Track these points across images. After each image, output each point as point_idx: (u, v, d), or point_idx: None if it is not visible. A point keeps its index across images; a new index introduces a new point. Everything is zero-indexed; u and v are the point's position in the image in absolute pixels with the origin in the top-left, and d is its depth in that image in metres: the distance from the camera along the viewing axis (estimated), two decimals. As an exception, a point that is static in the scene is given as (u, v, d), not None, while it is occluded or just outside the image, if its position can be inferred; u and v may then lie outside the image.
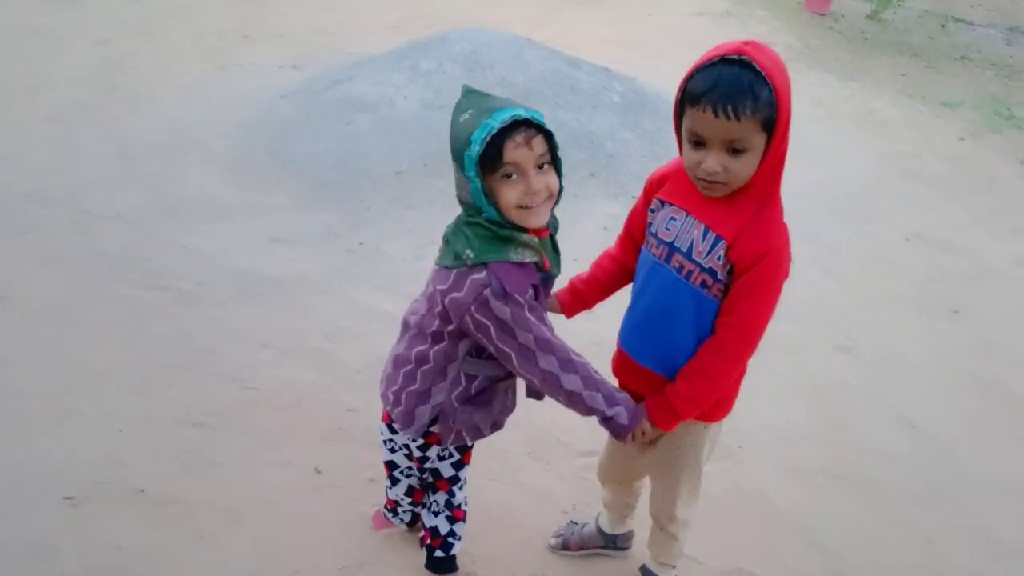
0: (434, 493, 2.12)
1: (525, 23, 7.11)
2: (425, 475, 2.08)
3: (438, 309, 1.70)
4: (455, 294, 1.63)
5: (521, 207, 1.57)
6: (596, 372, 1.71)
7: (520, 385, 1.85)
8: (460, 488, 2.12)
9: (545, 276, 1.72)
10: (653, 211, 1.80)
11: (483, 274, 1.59)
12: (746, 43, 1.54)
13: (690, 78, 1.55)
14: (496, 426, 1.93)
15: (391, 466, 2.15)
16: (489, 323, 1.61)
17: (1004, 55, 8.14)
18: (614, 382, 1.86)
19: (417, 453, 2.00)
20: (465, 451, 2.06)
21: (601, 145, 4.84)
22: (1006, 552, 2.63)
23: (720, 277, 1.65)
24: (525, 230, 1.62)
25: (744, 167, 1.56)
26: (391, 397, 1.92)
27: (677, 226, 1.71)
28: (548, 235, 1.72)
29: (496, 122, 1.51)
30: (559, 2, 8.43)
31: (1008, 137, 6.08)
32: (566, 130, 4.84)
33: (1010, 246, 4.51)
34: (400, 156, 4.49)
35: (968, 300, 3.96)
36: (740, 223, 1.61)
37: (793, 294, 3.74)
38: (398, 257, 3.81)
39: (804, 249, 4.18)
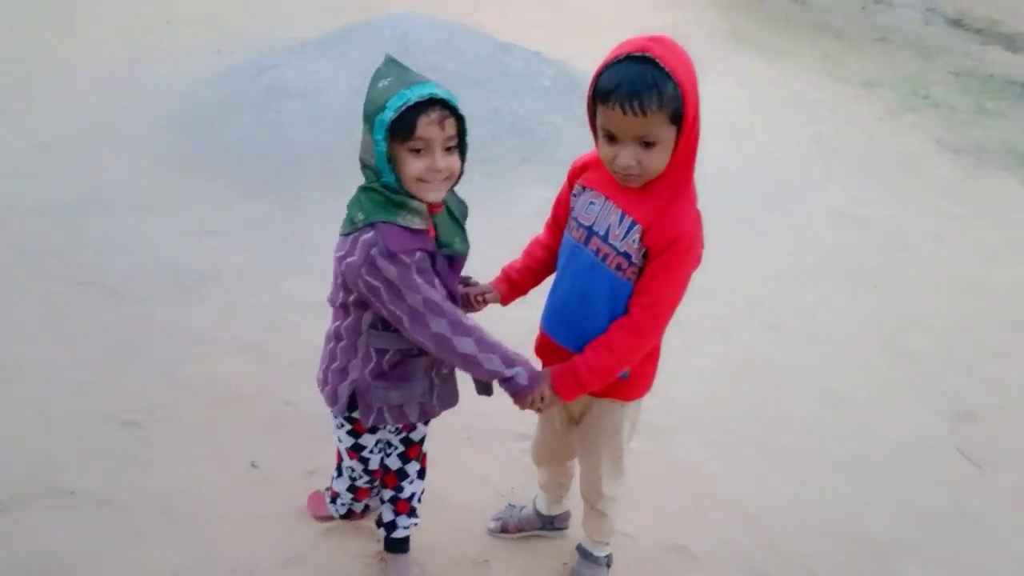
0: (383, 487, 2.14)
1: (455, 7, 7.06)
2: (368, 470, 2.08)
3: (339, 280, 1.74)
4: (349, 258, 1.66)
5: (421, 180, 1.62)
6: (491, 336, 1.72)
7: (467, 381, 1.86)
8: (410, 483, 2.13)
9: (451, 254, 1.75)
10: (575, 196, 1.85)
11: (371, 234, 1.62)
12: (651, 39, 1.59)
13: (599, 75, 1.60)
14: (426, 413, 1.92)
15: (341, 456, 2.14)
16: (379, 284, 1.63)
17: (921, 35, 8.43)
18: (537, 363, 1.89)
19: (348, 442, 2.01)
20: (411, 445, 2.07)
21: (533, 130, 4.87)
22: (922, 513, 2.76)
23: (635, 261, 1.70)
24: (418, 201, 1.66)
25: (656, 159, 1.62)
26: (320, 376, 1.95)
27: (595, 210, 1.76)
28: (445, 211, 1.74)
29: (414, 95, 1.56)
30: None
31: (924, 116, 6.31)
32: (498, 116, 4.85)
33: (926, 221, 4.70)
34: (331, 144, 4.44)
35: (887, 274, 4.13)
36: (655, 209, 1.67)
37: (721, 272, 3.88)
38: (330, 246, 3.76)
39: (730, 228, 4.31)
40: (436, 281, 1.70)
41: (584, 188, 1.82)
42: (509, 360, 1.72)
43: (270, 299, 3.43)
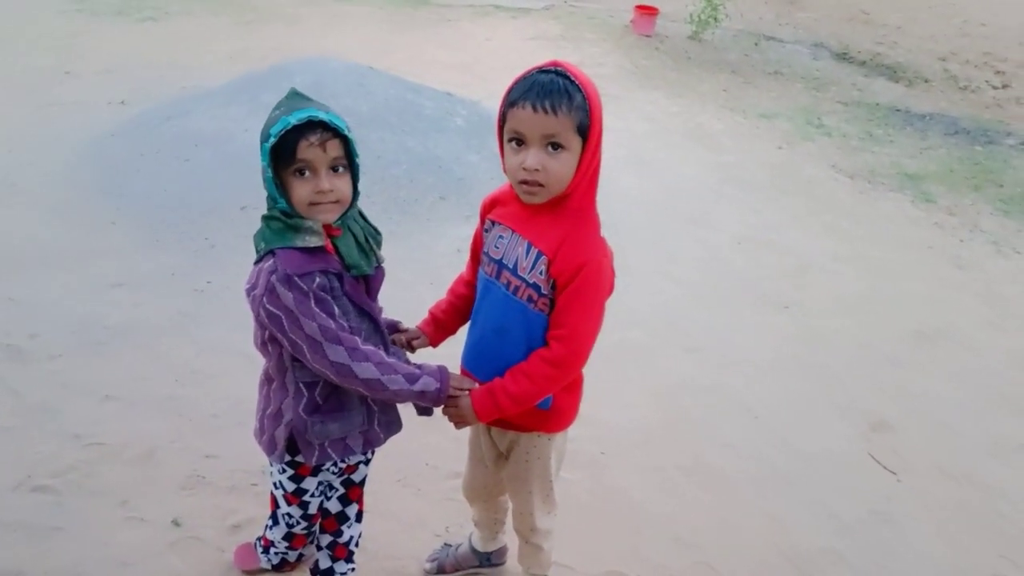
0: (321, 532, 2.09)
1: (365, 51, 7.12)
2: (307, 515, 2.03)
3: (254, 316, 1.71)
4: (254, 290, 1.65)
5: (312, 204, 1.63)
6: (390, 358, 1.72)
7: (407, 405, 1.85)
8: (349, 526, 2.09)
9: (360, 275, 1.75)
10: (486, 231, 1.89)
11: (271, 261, 1.63)
12: (557, 61, 1.68)
13: (511, 88, 1.66)
14: (371, 442, 1.89)
15: (277, 503, 2.08)
16: (280, 312, 1.62)
17: (811, 69, 8.89)
18: None
19: (289, 487, 1.95)
20: (351, 487, 2.05)
21: (449, 169, 4.92)
22: (844, 523, 2.87)
23: (544, 292, 1.74)
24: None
25: (562, 167, 1.65)
26: (256, 426, 1.90)
27: (504, 244, 1.80)
28: (349, 236, 1.74)
29: (294, 119, 1.57)
30: (398, 29, 8.49)
31: (819, 144, 6.64)
32: (413, 156, 4.88)
33: (827, 242, 4.93)
34: (244, 190, 4.37)
35: (794, 294, 4.30)
36: (559, 238, 1.71)
37: (641, 301, 3.97)
38: (249, 294, 3.71)
39: (646, 256, 4.42)
40: (344, 304, 1.70)
41: (494, 223, 1.85)
42: (412, 376, 1.73)
43: (186, 351, 3.33)
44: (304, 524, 2.06)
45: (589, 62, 7.94)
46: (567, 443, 2.09)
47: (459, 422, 1.85)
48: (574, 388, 1.94)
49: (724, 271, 4.47)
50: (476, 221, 1.98)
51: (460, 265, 2.13)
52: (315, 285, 1.63)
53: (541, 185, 1.66)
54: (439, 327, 2.07)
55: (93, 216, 4.24)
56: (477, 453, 2.18)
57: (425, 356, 2.01)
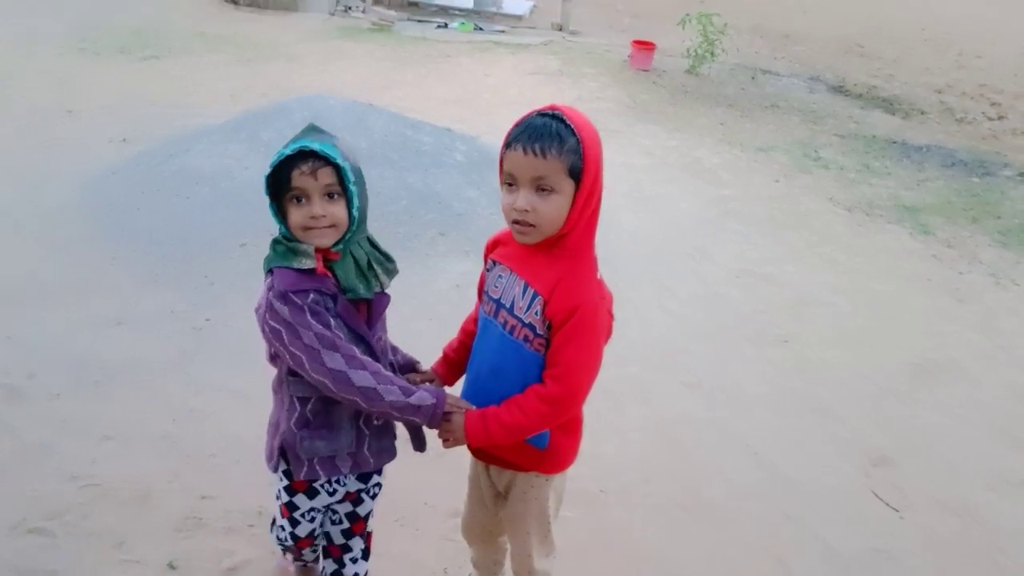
0: (324, 557, 2.10)
1: (365, 88, 7.20)
2: (294, 535, 2.05)
3: (260, 332, 1.79)
4: (259, 308, 1.76)
5: (306, 228, 1.72)
6: (387, 371, 1.78)
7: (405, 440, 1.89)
8: (353, 561, 2.11)
9: (356, 298, 1.80)
10: (488, 271, 1.92)
11: (269, 280, 1.75)
12: (556, 105, 1.70)
13: (507, 133, 1.70)
14: (359, 465, 1.92)
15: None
16: (280, 326, 1.71)
17: (807, 102, 8.97)
18: None
19: (284, 498, 1.98)
20: (356, 520, 2.07)
21: (448, 204, 4.94)
22: (845, 560, 2.84)
23: (540, 332, 1.75)
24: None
25: (551, 209, 1.67)
26: (266, 436, 1.98)
27: (503, 284, 1.82)
28: (349, 259, 1.79)
29: (288, 150, 1.69)
30: (397, 66, 8.59)
31: (816, 177, 6.68)
32: (412, 191, 4.91)
33: (825, 275, 4.93)
34: (244, 228, 4.40)
35: (793, 328, 4.30)
36: (554, 279, 1.72)
37: (639, 335, 3.97)
38: (248, 331, 3.68)
39: (645, 291, 4.43)
40: (336, 323, 1.75)
41: (495, 263, 1.88)
42: (408, 389, 1.78)
43: (184, 389, 3.32)
44: (292, 543, 2.07)
45: (587, 96, 8.02)
46: (566, 483, 2.07)
47: (448, 439, 1.85)
48: (572, 430, 1.93)
49: (722, 305, 4.47)
50: (475, 256, 2.01)
51: (459, 300, 2.15)
52: (309, 300, 1.71)
53: (532, 225, 1.69)
54: (452, 367, 2.09)
55: (93, 254, 4.25)
56: (476, 492, 2.17)
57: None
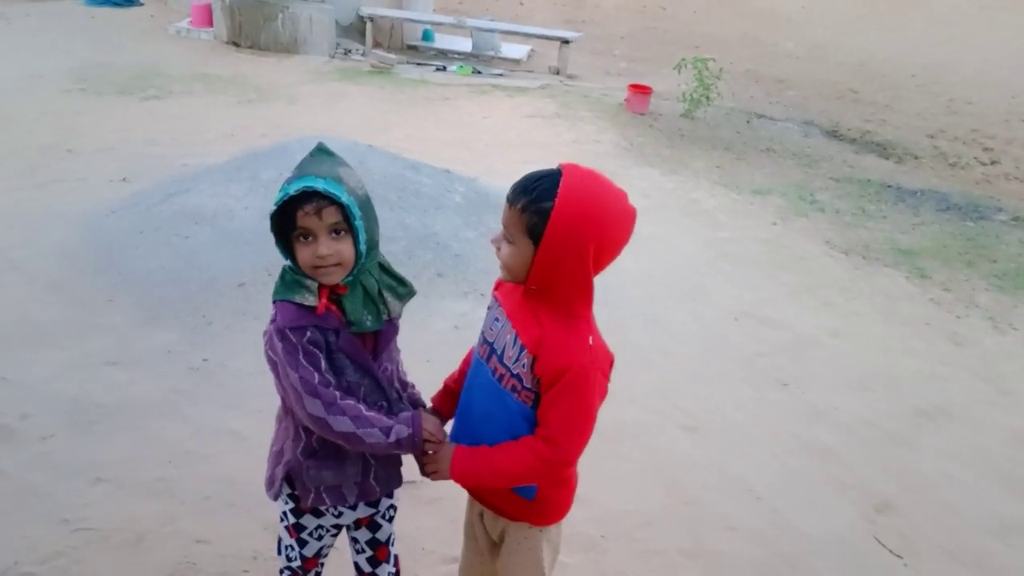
0: None
1: (365, 129, 7.25)
2: (303, 555, 2.05)
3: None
4: (265, 334, 1.81)
5: (315, 267, 1.73)
6: (368, 412, 1.77)
7: (409, 462, 1.90)
8: None
9: (361, 331, 1.79)
10: (489, 309, 1.90)
11: (273, 310, 1.77)
12: (578, 166, 1.67)
13: None
14: (365, 493, 1.92)
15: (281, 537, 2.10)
16: (276, 359, 1.76)
17: (802, 146, 9.06)
18: None
19: (291, 519, 1.98)
20: (378, 547, 2.07)
21: (447, 245, 4.95)
22: (850, 610, 2.79)
23: (527, 385, 1.73)
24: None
25: (509, 256, 1.70)
26: (267, 464, 1.98)
27: (498, 327, 1.81)
28: (359, 290, 1.79)
29: (292, 189, 1.68)
30: (397, 108, 8.67)
31: (813, 220, 6.72)
32: (411, 232, 4.92)
33: (824, 318, 4.93)
34: (243, 267, 4.39)
35: (793, 371, 4.28)
36: (540, 335, 1.70)
37: (638, 378, 3.95)
38: (245, 372, 3.69)
39: (643, 333, 4.42)
40: (341, 360, 1.77)
41: (495, 302, 1.87)
42: (387, 428, 1.77)
43: (180, 430, 3.29)
44: (300, 563, 2.05)
45: (584, 139, 8.09)
46: (562, 532, 2.04)
47: (433, 472, 1.84)
48: (562, 483, 1.90)
49: (721, 347, 4.46)
50: (473, 297, 2.01)
51: (457, 342, 2.14)
52: (305, 339, 1.72)
53: (506, 268, 1.72)
54: (453, 399, 2.04)
55: (90, 293, 4.24)
56: (472, 540, 2.14)
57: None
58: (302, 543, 2.02)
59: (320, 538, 2.03)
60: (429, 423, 1.83)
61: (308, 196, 1.67)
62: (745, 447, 3.63)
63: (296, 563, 2.06)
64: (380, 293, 1.82)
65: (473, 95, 9.48)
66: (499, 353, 1.78)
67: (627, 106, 9.45)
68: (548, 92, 9.92)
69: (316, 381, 1.72)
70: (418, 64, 11.13)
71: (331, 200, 1.68)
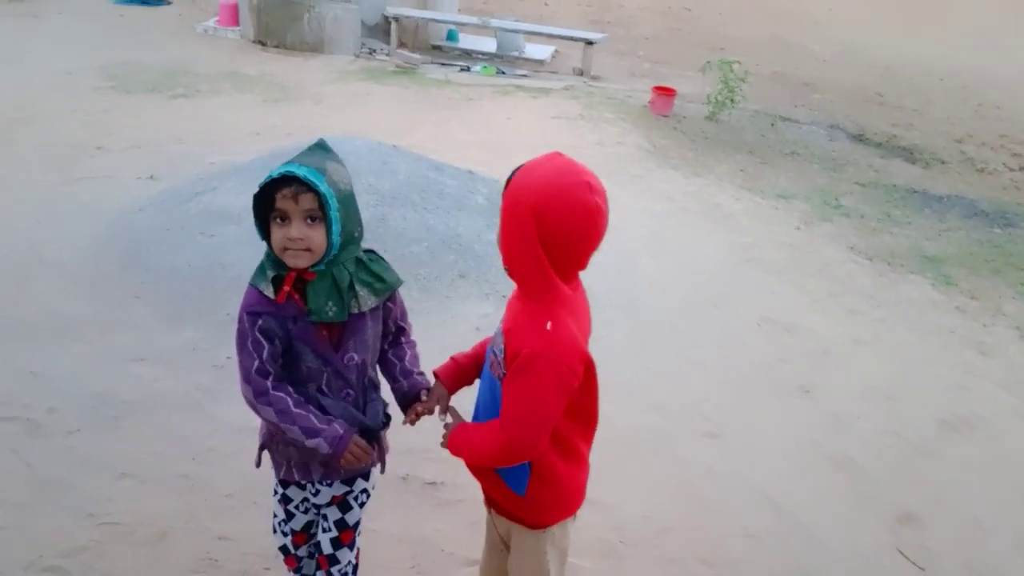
0: (317, 569, 2.12)
1: (389, 129, 7.28)
2: (292, 528, 2.15)
3: None
4: None
5: (284, 248, 1.80)
6: (298, 408, 1.86)
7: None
8: (342, 574, 2.10)
9: (321, 320, 1.85)
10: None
11: (244, 294, 1.89)
12: (557, 155, 1.79)
13: None
14: (331, 474, 2.00)
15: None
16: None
17: (828, 150, 8.98)
18: None
19: (280, 489, 2.10)
20: (344, 529, 2.09)
21: (469, 247, 4.96)
22: (870, 622, 2.77)
23: (503, 369, 1.80)
24: (287, 267, 1.83)
25: (497, 238, 1.83)
26: None
27: (501, 318, 1.91)
28: (327, 279, 1.85)
29: (275, 173, 1.77)
30: (422, 108, 8.69)
31: (837, 224, 6.66)
32: (434, 233, 4.94)
33: (848, 326, 4.89)
34: (266, 266, 4.43)
35: (815, 379, 4.25)
36: (512, 321, 1.81)
37: (659, 384, 3.94)
38: (267, 370, 3.71)
39: (665, 338, 4.41)
40: (300, 348, 1.86)
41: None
42: (311, 431, 1.86)
43: (203, 427, 3.32)
44: (291, 536, 2.15)
45: (608, 141, 8.07)
46: (568, 538, 2.04)
47: (442, 442, 1.96)
48: (551, 482, 1.90)
49: (744, 354, 4.43)
50: (495, 299, 2.06)
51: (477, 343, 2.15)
52: (257, 326, 1.83)
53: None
54: (456, 372, 2.08)
55: (117, 290, 4.29)
56: (490, 539, 2.18)
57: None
58: (290, 515, 2.13)
59: (306, 511, 2.11)
60: (357, 445, 1.91)
61: (288, 180, 1.76)
62: (766, 456, 3.61)
63: (288, 537, 2.15)
64: (351, 286, 1.87)
65: (497, 96, 9.48)
66: (495, 341, 1.87)
67: (651, 108, 9.41)
68: (572, 93, 9.90)
69: (253, 368, 1.84)
70: (442, 64, 11.15)
71: (309, 187, 1.76)
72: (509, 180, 1.78)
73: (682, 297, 4.97)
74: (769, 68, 12.60)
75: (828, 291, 5.35)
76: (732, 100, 9.38)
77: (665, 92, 9.46)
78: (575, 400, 1.81)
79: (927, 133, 10.14)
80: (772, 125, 9.65)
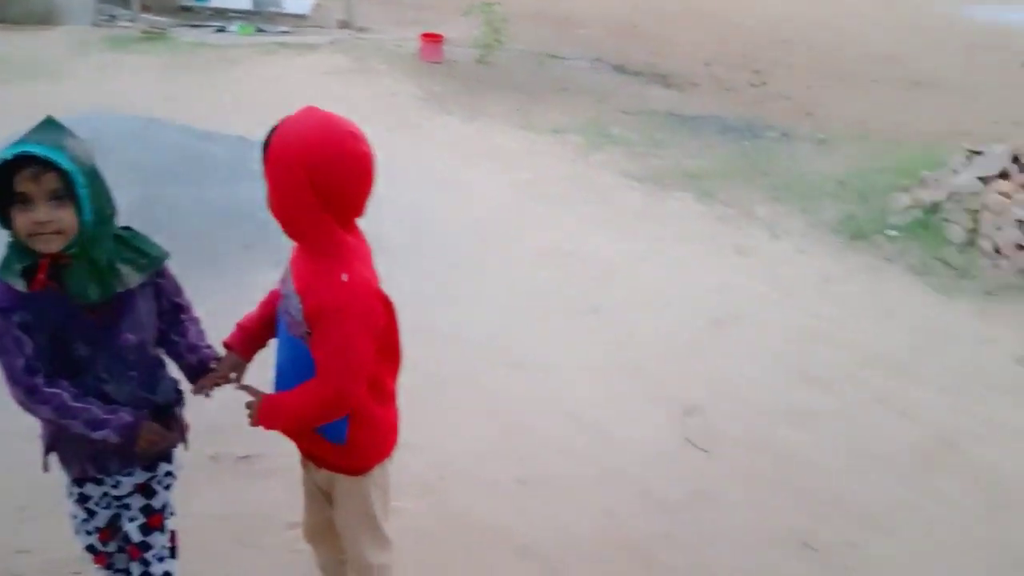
0: (130, 561, 2.03)
1: (145, 101, 6.79)
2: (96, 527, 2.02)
3: None
4: None
5: (32, 234, 1.68)
6: (77, 402, 1.77)
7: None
8: (158, 559, 2.03)
9: (83, 303, 1.77)
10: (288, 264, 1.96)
11: None
12: (312, 109, 1.83)
13: None
14: (129, 461, 1.92)
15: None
16: None
17: (594, 83, 9.45)
18: None
19: (75, 491, 1.97)
20: (152, 513, 2.01)
21: (251, 215, 4.78)
22: (669, 506, 3.08)
23: (308, 329, 1.82)
24: (37, 252, 1.71)
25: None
26: None
27: (286, 283, 1.90)
28: (84, 261, 1.75)
29: (8, 154, 1.63)
30: (178, 75, 8.17)
31: (609, 153, 7.08)
32: (211, 207, 4.72)
33: (626, 244, 5.27)
34: None
35: (602, 297, 4.57)
36: (306, 278, 1.82)
37: (458, 323, 4.07)
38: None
39: (459, 279, 4.55)
40: (68, 336, 1.76)
41: (288, 264, 1.94)
42: (96, 422, 1.78)
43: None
44: (95, 535, 2.02)
45: (382, 92, 8.02)
46: (389, 477, 2.11)
47: (251, 422, 1.91)
48: (369, 424, 1.97)
49: (535, 283, 4.67)
50: (285, 266, 2.01)
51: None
52: (14, 322, 1.70)
53: None
54: (246, 338, 2.06)
55: None
56: (309, 493, 2.19)
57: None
58: (91, 513, 2.00)
59: (108, 506, 2.01)
60: (150, 430, 1.85)
61: (26, 161, 1.63)
62: (565, 374, 3.86)
63: (93, 536, 2.03)
64: (112, 265, 1.80)
65: (260, 56, 9.09)
66: (287, 303, 1.86)
67: (421, 56, 9.42)
68: (339, 47, 9.69)
69: (19, 367, 1.72)
70: (194, 26, 10.47)
71: (51, 166, 1.64)
72: (268, 141, 1.77)
73: (471, 236, 5.12)
74: (531, 7, 12.94)
75: (606, 216, 5.71)
76: (499, 41, 9.60)
77: (433, 39, 9.49)
78: (380, 340, 1.87)
79: (680, 58, 10.91)
80: (540, 63, 9.98)
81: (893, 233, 5.65)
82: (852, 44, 12.02)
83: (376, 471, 2.04)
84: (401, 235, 4.81)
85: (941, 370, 4.07)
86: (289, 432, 1.98)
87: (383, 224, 4.84)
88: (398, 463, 2.88)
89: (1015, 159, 5.68)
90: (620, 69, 10.24)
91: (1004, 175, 5.64)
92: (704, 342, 4.24)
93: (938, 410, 3.75)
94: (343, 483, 2.03)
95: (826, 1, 14.86)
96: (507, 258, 4.92)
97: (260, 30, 10.44)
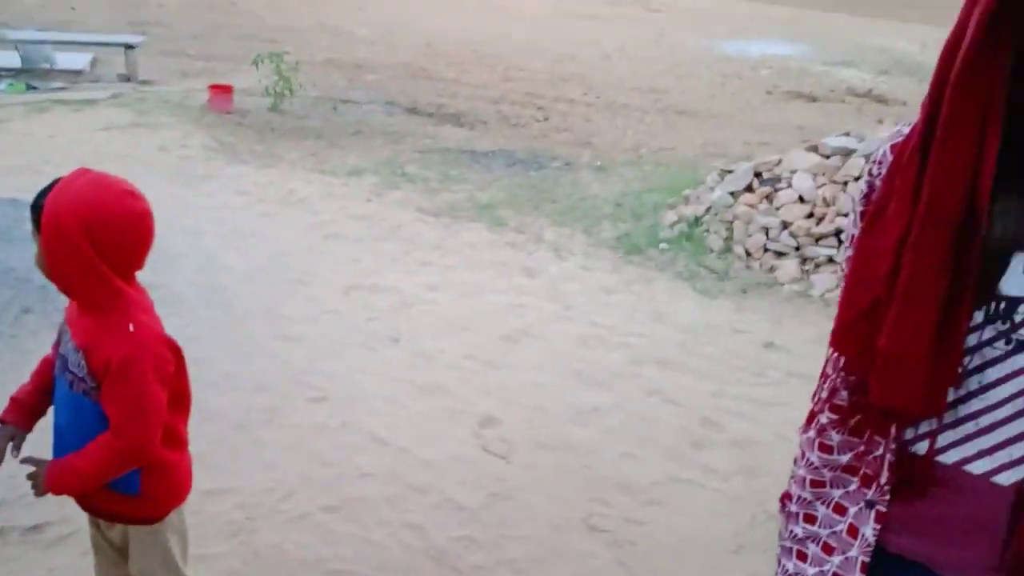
0: None
1: None
2: None
3: None
4: None
5: None
6: None
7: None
8: None
9: None
10: (61, 332, 1.99)
11: None
12: (85, 171, 1.88)
13: None
14: None
15: None
16: None
17: (387, 124, 9.71)
18: None
19: None
20: None
21: (27, 279, 4.60)
22: (472, 511, 3.31)
23: (93, 384, 1.87)
24: None
25: (36, 258, 1.89)
26: None
27: (65, 341, 1.93)
28: None
29: None
30: (-64, 138, 7.58)
31: (405, 191, 7.33)
32: (-19, 273, 4.49)
33: (422, 277, 5.51)
34: None
35: (402, 328, 4.77)
36: (87, 333, 1.87)
37: (263, 366, 4.14)
38: None
39: (261, 323, 4.60)
40: None
41: (64, 323, 1.97)
42: None
43: None
44: None
45: (170, 145, 7.85)
46: (185, 521, 2.16)
47: (35, 489, 1.91)
48: (163, 473, 2.01)
49: (336, 321, 4.79)
50: (61, 325, 2.03)
51: (54, 385, 2.14)
52: None
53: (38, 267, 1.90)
54: (23, 410, 2.05)
55: None
56: (101, 554, 2.19)
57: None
58: None
59: None
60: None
61: None
62: (369, 402, 4.01)
63: None
64: None
65: (32, 114, 8.61)
66: (67, 361, 1.89)
67: (210, 106, 9.29)
68: (121, 101, 9.37)
69: None
70: (-46, 86, 9.75)
71: None
72: (39, 204, 1.82)
73: (271, 282, 5.17)
74: (322, 55, 13.10)
75: (403, 250, 5.94)
76: (291, 90, 9.66)
77: (222, 89, 9.41)
78: (171, 387, 1.94)
79: (469, 98, 11.44)
80: (334, 108, 10.12)
81: (664, 246, 6.29)
82: (623, 79, 13.12)
83: (172, 516, 2.08)
84: (198, 289, 4.80)
85: (704, 360, 4.61)
86: (83, 492, 1.97)
87: (176, 281, 4.81)
88: (204, 511, 2.96)
89: (757, 174, 6.50)
90: (413, 111, 10.59)
91: (750, 188, 6.44)
92: (498, 359, 4.54)
93: (701, 395, 4.25)
94: (138, 534, 2.05)
95: (599, 42, 16.11)
96: (308, 298, 5.02)
97: (32, 87, 9.87)
